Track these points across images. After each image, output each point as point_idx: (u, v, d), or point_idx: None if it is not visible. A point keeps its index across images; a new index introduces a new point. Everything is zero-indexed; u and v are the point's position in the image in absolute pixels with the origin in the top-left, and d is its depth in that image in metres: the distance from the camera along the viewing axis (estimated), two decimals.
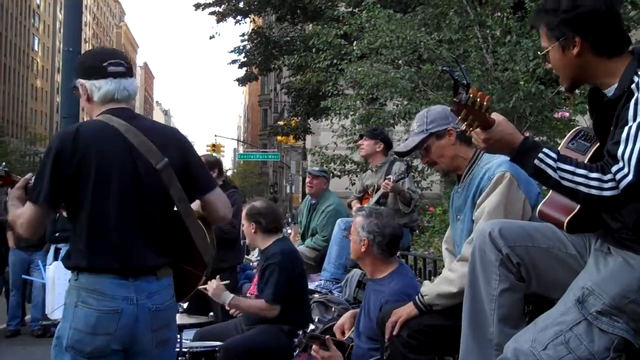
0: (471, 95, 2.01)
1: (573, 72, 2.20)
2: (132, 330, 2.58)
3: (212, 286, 4.28)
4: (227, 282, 4.45)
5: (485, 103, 2.03)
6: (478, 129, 2.10)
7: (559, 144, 2.39)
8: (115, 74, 2.72)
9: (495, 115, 2.12)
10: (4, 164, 2.98)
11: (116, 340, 2.55)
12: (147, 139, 2.65)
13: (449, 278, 2.84)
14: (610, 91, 2.12)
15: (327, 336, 3.55)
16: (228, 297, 4.29)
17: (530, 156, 2.06)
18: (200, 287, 4.35)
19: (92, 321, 2.53)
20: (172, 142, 2.75)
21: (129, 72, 2.78)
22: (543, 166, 2.03)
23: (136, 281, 2.59)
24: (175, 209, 2.73)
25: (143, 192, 2.63)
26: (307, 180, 6.81)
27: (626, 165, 1.93)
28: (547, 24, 2.19)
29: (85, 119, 3.33)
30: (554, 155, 2.04)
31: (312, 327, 3.64)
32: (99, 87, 2.71)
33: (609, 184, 1.95)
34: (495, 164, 2.85)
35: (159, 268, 2.65)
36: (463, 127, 2.11)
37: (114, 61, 2.73)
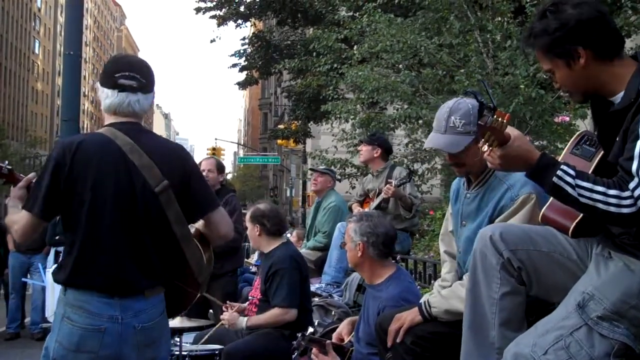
0: (495, 117, 1.99)
1: (583, 84, 2.19)
2: (117, 349, 2.55)
3: (226, 318, 4.36)
4: (235, 306, 4.51)
5: (506, 121, 2.01)
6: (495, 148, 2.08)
7: (559, 148, 2.38)
8: (124, 88, 2.65)
9: (510, 130, 2.09)
10: (6, 162, 2.97)
11: (100, 359, 2.53)
12: (151, 159, 2.61)
13: (461, 296, 2.76)
14: (616, 99, 2.12)
15: (328, 340, 3.54)
16: (243, 321, 4.32)
17: (548, 173, 2.04)
18: (220, 323, 4.45)
19: (75, 339, 2.51)
20: (176, 161, 2.71)
21: (142, 88, 2.68)
22: (562, 184, 2.02)
23: (122, 300, 2.56)
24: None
25: (138, 214, 2.59)
26: (312, 178, 6.82)
27: None
28: (541, 47, 2.19)
29: (85, 122, 3.31)
30: (572, 172, 2.02)
31: (310, 329, 3.62)
32: (106, 97, 2.68)
33: (628, 201, 1.95)
34: (519, 183, 2.77)
35: (147, 289, 2.62)
36: (484, 148, 2.08)
37: (127, 74, 2.66)
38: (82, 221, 2.55)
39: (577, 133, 2.37)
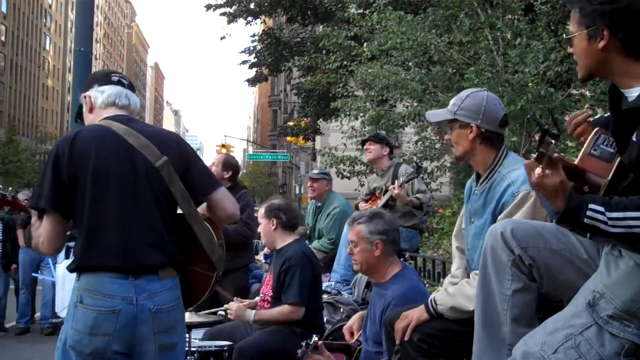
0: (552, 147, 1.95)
1: (592, 65, 2.11)
2: (132, 331, 2.55)
3: (233, 309, 4.33)
4: (246, 302, 4.52)
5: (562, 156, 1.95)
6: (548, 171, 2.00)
7: (569, 147, 2.32)
8: (118, 83, 2.84)
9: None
10: (10, 189, 3.03)
11: (116, 341, 2.53)
12: (148, 140, 2.68)
13: (467, 294, 2.77)
14: (630, 92, 2.05)
15: (320, 342, 3.43)
16: (251, 314, 4.32)
17: (577, 216, 1.97)
18: (224, 308, 4.44)
19: (90, 322, 2.52)
20: (172, 144, 2.77)
21: (131, 88, 2.89)
22: (595, 223, 1.95)
23: (136, 280, 2.56)
24: (179, 209, 2.72)
25: (143, 191, 2.63)
26: (308, 184, 6.79)
27: None
28: (580, 9, 2.09)
29: None
30: (600, 208, 1.94)
31: (315, 338, 3.56)
32: (103, 91, 2.81)
33: None
34: (520, 180, 2.77)
35: (160, 267, 2.62)
36: (538, 170, 2.00)
37: (117, 74, 2.91)
38: (88, 205, 2.59)
39: (593, 132, 2.30)
